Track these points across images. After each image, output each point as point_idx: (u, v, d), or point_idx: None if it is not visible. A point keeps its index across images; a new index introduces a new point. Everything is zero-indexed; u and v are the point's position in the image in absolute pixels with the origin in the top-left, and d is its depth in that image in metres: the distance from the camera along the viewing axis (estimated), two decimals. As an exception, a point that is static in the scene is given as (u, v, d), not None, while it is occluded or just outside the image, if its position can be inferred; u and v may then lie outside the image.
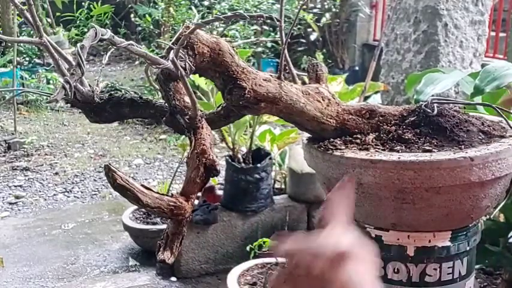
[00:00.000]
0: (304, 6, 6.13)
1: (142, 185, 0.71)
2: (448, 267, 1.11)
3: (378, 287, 0.62)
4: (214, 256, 2.78)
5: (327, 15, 6.77)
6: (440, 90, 1.78)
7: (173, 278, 2.75)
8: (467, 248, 1.13)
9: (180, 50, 0.77)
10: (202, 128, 0.78)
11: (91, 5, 7.98)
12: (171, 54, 0.73)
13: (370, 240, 0.65)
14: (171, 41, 0.82)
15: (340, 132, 1.08)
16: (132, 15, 7.88)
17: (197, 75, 0.89)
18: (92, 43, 0.61)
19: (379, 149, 1.04)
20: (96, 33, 0.62)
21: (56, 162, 4.54)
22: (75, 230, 3.38)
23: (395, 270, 1.10)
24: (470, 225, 1.12)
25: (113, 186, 0.69)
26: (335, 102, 1.07)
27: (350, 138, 1.07)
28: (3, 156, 4.66)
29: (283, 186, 3.45)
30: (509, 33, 5.35)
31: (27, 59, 6.85)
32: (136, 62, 7.69)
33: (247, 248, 2.41)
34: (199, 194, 0.76)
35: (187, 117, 0.77)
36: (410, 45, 3.10)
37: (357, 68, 6.81)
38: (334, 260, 0.62)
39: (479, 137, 1.05)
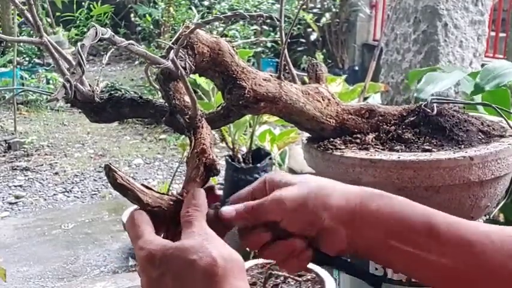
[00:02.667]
0: (304, 6, 6.13)
1: (142, 185, 0.71)
2: (448, 267, 1.12)
3: None
4: (214, 256, 2.78)
5: (327, 15, 6.77)
6: (440, 89, 1.79)
7: (173, 278, 2.75)
8: (467, 248, 1.13)
9: (180, 50, 0.77)
10: (202, 127, 0.78)
11: (91, 5, 7.98)
12: (171, 54, 0.73)
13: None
14: (171, 41, 0.82)
15: (340, 132, 1.08)
16: (132, 15, 7.88)
17: (198, 75, 0.90)
18: (92, 42, 0.61)
19: (378, 148, 1.04)
20: (96, 33, 0.62)
21: (56, 162, 4.55)
22: (75, 230, 3.39)
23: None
24: (469, 225, 1.12)
25: (113, 186, 0.69)
26: (335, 102, 1.07)
27: (350, 138, 1.07)
28: (3, 156, 4.66)
29: (283, 186, 3.45)
30: (509, 33, 5.36)
31: (27, 59, 6.86)
32: (136, 62, 7.70)
33: (247, 248, 2.41)
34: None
35: (187, 116, 0.77)
36: (410, 45, 3.10)
37: (356, 68, 6.81)
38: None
39: (479, 137, 1.05)
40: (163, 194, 0.72)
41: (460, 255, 0.65)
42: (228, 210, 0.70)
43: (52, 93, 0.60)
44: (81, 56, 0.56)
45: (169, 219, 0.71)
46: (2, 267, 1.80)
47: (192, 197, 0.69)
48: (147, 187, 0.71)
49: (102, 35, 0.61)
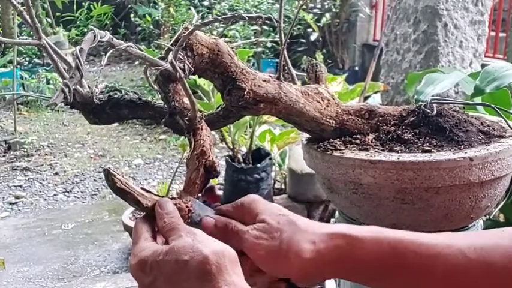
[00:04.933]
0: (304, 6, 6.13)
1: (142, 188, 0.71)
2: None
3: None
4: (214, 256, 2.77)
5: (327, 15, 6.77)
6: (440, 90, 1.78)
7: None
8: (467, 248, 1.13)
9: (179, 51, 0.77)
10: (201, 129, 0.78)
11: (91, 5, 7.98)
12: (170, 56, 0.73)
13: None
14: (171, 41, 0.82)
15: (340, 132, 1.08)
16: (132, 16, 7.88)
17: (197, 76, 0.89)
18: (91, 45, 0.61)
19: (378, 149, 1.04)
20: (94, 36, 0.62)
21: (56, 163, 4.55)
22: (75, 230, 3.39)
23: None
24: (470, 226, 1.12)
25: (113, 190, 0.69)
26: (334, 102, 1.07)
27: (349, 139, 1.07)
28: (3, 156, 4.66)
29: (283, 187, 3.45)
30: (509, 33, 5.35)
31: (27, 59, 6.87)
32: (136, 63, 7.70)
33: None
34: (199, 194, 0.77)
35: (187, 118, 0.77)
36: (410, 45, 3.10)
37: (356, 68, 6.81)
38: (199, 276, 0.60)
39: (479, 137, 1.05)
40: (163, 197, 0.72)
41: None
42: (208, 221, 0.71)
43: (50, 97, 0.60)
44: (79, 60, 0.56)
45: None
46: (0, 257, 1.81)
47: (159, 208, 0.69)
48: (146, 190, 0.71)
49: (100, 38, 0.61)
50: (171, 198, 0.72)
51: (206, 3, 6.63)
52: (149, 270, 0.62)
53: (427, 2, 2.99)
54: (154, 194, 0.71)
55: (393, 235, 0.68)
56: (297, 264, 0.68)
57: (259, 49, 6.25)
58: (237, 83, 0.89)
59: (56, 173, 4.32)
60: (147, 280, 0.62)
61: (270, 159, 3.22)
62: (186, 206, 0.73)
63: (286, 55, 1.03)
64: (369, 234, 0.68)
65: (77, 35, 7.70)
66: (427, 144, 1.03)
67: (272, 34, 6.22)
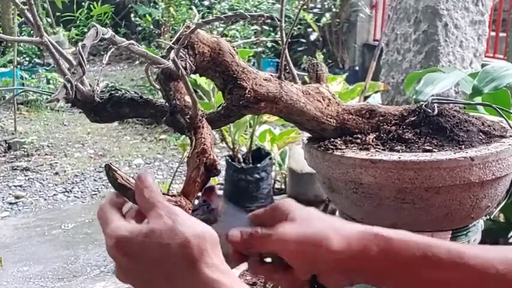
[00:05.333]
0: (305, 6, 6.13)
1: (142, 185, 0.71)
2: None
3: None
4: (214, 256, 2.77)
5: (327, 15, 6.77)
6: (439, 90, 1.78)
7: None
8: (468, 248, 1.13)
9: (181, 50, 0.77)
10: (202, 127, 0.78)
11: (91, 5, 7.98)
12: (172, 54, 0.73)
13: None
14: (171, 40, 0.82)
15: (340, 132, 1.08)
16: (132, 15, 7.87)
17: (198, 74, 0.89)
18: (93, 42, 0.61)
19: (379, 148, 1.04)
20: (97, 33, 0.62)
21: (56, 162, 4.54)
22: (75, 230, 3.38)
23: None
24: (470, 225, 1.12)
25: (114, 186, 0.69)
26: (335, 102, 1.07)
27: (350, 138, 1.07)
28: (3, 156, 4.66)
29: (283, 186, 3.46)
30: (509, 33, 5.35)
31: (27, 59, 6.86)
32: (137, 62, 7.70)
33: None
34: (199, 193, 0.77)
35: (188, 116, 0.77)
36: (411, 45, 3.10)
37: (357, 68, 6.81)
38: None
39: (480, 137, 1.05)
40: (163, 194, 0.72)
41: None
42: (235, 234, 0.71)
43: (52, 93, 0.60)
44: (81, 56, 0.56)
45: None
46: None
47: (138, 181, 0.66)
48: (147, 187, 0.71)
49: (102, 35, 0.61)
50: (172, 196, 0.72)
51: (206, 3, 6.63)
52: (132, 253, 0.60)
53: (427, 2, 2.99)
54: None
55: (423, 240, 0.68)
56: (328, 255, 0.68)
57: (260, 49, 6.25)
58: (238, 81, 0.89)
59: (56, 173, 4.32)
60: (131, 264, 0.61)
61: (270, 159, 3.22)
62: (189, 203, 0.73)
63: (287, 55, 1.03)
64: (399, 236, 0.69)
65: (77, 34, 7.71)
66: (428, 143, 1.03)
67: (272, 34, 6.22)
